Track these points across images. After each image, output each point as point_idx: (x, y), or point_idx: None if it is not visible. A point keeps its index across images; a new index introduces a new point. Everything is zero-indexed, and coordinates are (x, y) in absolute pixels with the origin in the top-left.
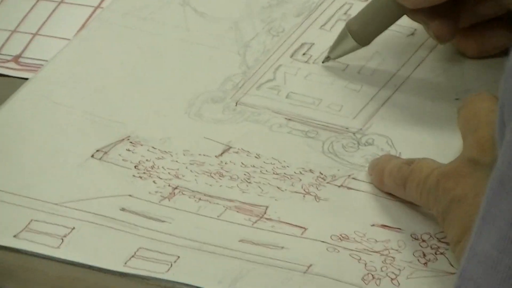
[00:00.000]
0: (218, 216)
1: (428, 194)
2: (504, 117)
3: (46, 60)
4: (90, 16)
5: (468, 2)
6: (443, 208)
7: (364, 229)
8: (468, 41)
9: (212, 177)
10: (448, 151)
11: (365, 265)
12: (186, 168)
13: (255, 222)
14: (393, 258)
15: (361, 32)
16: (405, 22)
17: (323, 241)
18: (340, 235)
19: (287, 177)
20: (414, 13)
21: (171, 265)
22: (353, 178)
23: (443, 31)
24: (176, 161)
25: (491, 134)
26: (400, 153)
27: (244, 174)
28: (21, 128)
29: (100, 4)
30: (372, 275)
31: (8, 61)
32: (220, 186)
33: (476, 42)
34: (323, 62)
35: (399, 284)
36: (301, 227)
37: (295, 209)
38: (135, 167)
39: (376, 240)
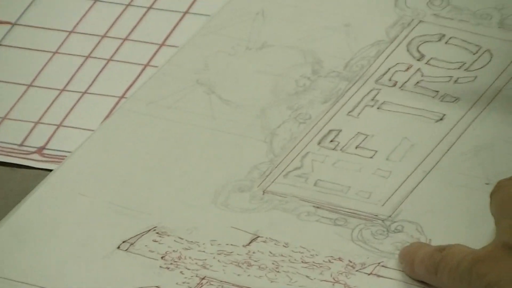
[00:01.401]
0: None
1: (461, 280)
2: None
3: (70, 151)
4: (114, 106)
5: None
6: None
7: None
8: None
9: (240, 266)
10: (480, 237)
11: None
12: (214, 258)
13: None
14: None
15: None
16: (434, 108)
17: None
18: None
19: (316, 266)
20: None
21: None
22: (383, 266)
23: None
24: (204, 251)
25: None
26: (430, 240)
27: (273, 263)
28: (46, 220)
29: (124, 94)
30: None
31: (32, 152)
32: (248, 275)
33: None
34: None
35: None
36: None
37: None
38: (162, 258)
39: None
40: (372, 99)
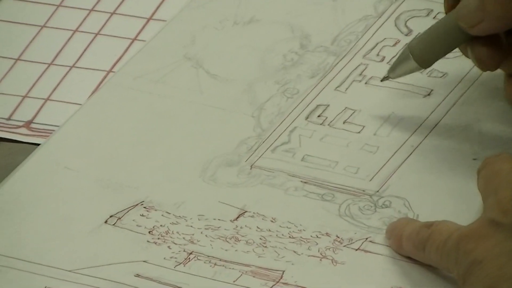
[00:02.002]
0: (234, 281)
1: (448, 257)
2: None
3: (58, 126)
4: (102, 80)
5: None
6: (464, 270)
7: None
8: None
9: (228, 241)
10: (467, 213)
11: None
12: (201, 233)
13: (272, 287)
14: None
15: (423, 54)
16: (421, 83)
17: None
18: None
19: (304, 241)
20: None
21: None
22: (371, 241)
23: (485, 56)
24: (191, 226)
25: None
26: (417, 215)
27: (260, 239)
28: (34, 194)
29: (112, 68)
30: None
31: (19, 126)
32: (236, 250)
33: None
34: (381, 81)
35: None
36: None
37: (312, 273)
38: (149, 232)
39: None
40: (360, 74)
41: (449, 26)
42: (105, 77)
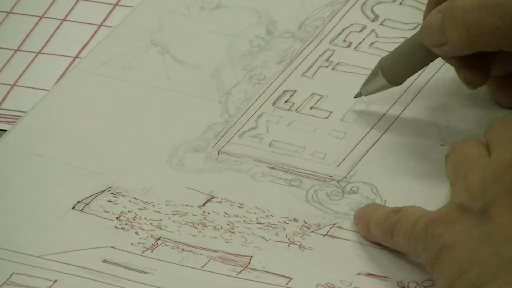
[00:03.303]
0: (201, 267)
1: (416, 242)
2: None
3: (25, 111)
4: (69, 66)
5: (501, 52)
6: (432, 255)
7: (350, 278)
8: (504, 92)
9: (195, 227)
10: (435, 198)
11: None
12: (169, 218)
13: (239, 272)
14: None
15: (392, 72)
16: None
17: None
18: (326, 284)
19: (271, 227)
20: (445, 58)
21: None
22: (338, 227)
23: (473, 78)
24: (159, 212)
25: (481, 179)
26: (385, 201)
27: (228, 224)
28: (1, 180)
29: (78, 54)
30: None
31: None
32: (203, 236)
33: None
34: (354, 97)
35: None
36: (286, 277)
37: (279, 258)
38: (117, 218)
39: None
40: (327, 60)
41: (417, 44)
42: (71, 63)
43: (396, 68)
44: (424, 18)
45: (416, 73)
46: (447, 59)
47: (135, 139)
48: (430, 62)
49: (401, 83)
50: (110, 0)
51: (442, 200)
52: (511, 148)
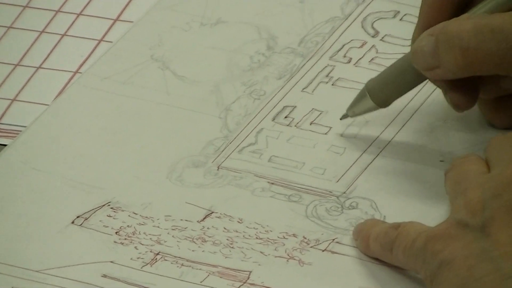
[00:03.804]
0: (201, 282)
1: (416, 258)
2: None
3: (25, 126)
4: (69, 81)
5: (490, 76)
6: (432, 271)
7: None
8: (497, 113)
9: (195, 242)
10: (434, 214)
11: None
12: (168, 233)
13: (239, 287)
14: None
15: (380, 94)
16: None
17: None
18: None
19: (270, 242)
20: (433, 81)
21: None
22: (338, 242)
23: (460, 101)
24: (158, 227)
25: (481, 196)
26: (385, 216)
27: (227, 239)
28: (0, 194)
29: (78, 69)
30: None
31: None
32: (203, 251)
33: (505, 114)
34: (340, 119)
35: None
36: None
37: (278, 274)
38: (116, 233)
39: None
40: (327, 76)
41: (406, 66)
42: (71, 78)
43: (384, 90)
44: (413, 40)
45: (416, 89)
46: (435, 81)
47: (134, 154)
48: (418, 84)
49: (388, 105)
50: (111, 15)
51: (442, 216)
52: (511, 165)
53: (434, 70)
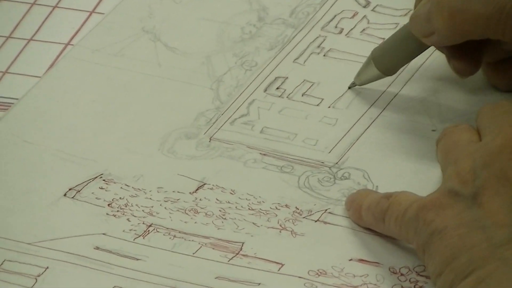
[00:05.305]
0: (193, 253)
1: (408, 227)
2: None
3: (16, 99)
4: (60, 53)
5: (491, 40)
6: (424, 241)
7: (342, 264)
8: (499, 75)
9: (187, 214)
10: (426, 183)
11: None
12: (160, 205)
13: (231, 258)
14: None
15: (384, 62)
16: None
17: (300, 277)
18: (318, 270)
19: (263, 213)
20: (437, 47)
21: None
22: (330, 213)
23: (463, 67)
24: (150, 199)
25: (472, 165)
26: (377, 186)
27: (219, 211)
28: None
29: (70, 41)
30: None
31: None
32: (195, 223)
33: (507, 76)
34: (349, 88)
35: None
36: (278, 263)
37: (271, 245)
38: (108, 205)
39: (354, 275)
40: (318, 46)
41: (408, 33)
42: (63, 50)
43: (388, 59)
44: (415, 8)
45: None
46: (439, 48)
47: (126, 126)
48: (422, 52)
49: (394, 73)
50: None
51: (433, 186)
52: (501, 134)
53: (430, 36)
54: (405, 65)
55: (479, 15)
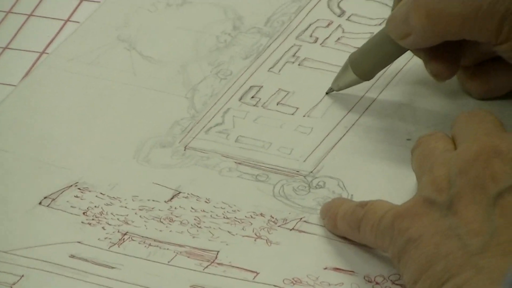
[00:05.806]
0: (168, 262)
1: (383, 235)
2: None
3: None
4: (36, 61)
5: (469, 42)
6: (399, 249)
7: (317, 273)
8: (474, 81)
9: (162, 222)
10: (402, 192)
11: None
12: (136, 214)
13: (206, 267)
14: None
15: (362, 66)
16: None
17: (275, 285)
18: (293, 279)
19: (238, 221)
20: (413, 50)
21: None
22: (305, 221)
23: (440, 70)
24: (125, 207)
25: (447, 173)
26: (352, 195)
27: (194, 219)
28: None
29: (45, 49)
30: None
31: None
32: (170, 231)
33: (482, 82)
34: (326, 93)
35: None
36: (253, 271)
37: (246, 253)
38: (83, 213)
39: (329, 284)
40: (293, 56)
41: (385, 38)
42: (38, 58)
43: (365, 63)
44: (392, 10)
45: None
46: (416, 52)
47: (101, 134)
48: (399, 56)
49: (371, 78)
50: None
51: (409, 194)
52: (476, 142)
53: (407, 38)
54: (383, 71)
55: (456, 15)
